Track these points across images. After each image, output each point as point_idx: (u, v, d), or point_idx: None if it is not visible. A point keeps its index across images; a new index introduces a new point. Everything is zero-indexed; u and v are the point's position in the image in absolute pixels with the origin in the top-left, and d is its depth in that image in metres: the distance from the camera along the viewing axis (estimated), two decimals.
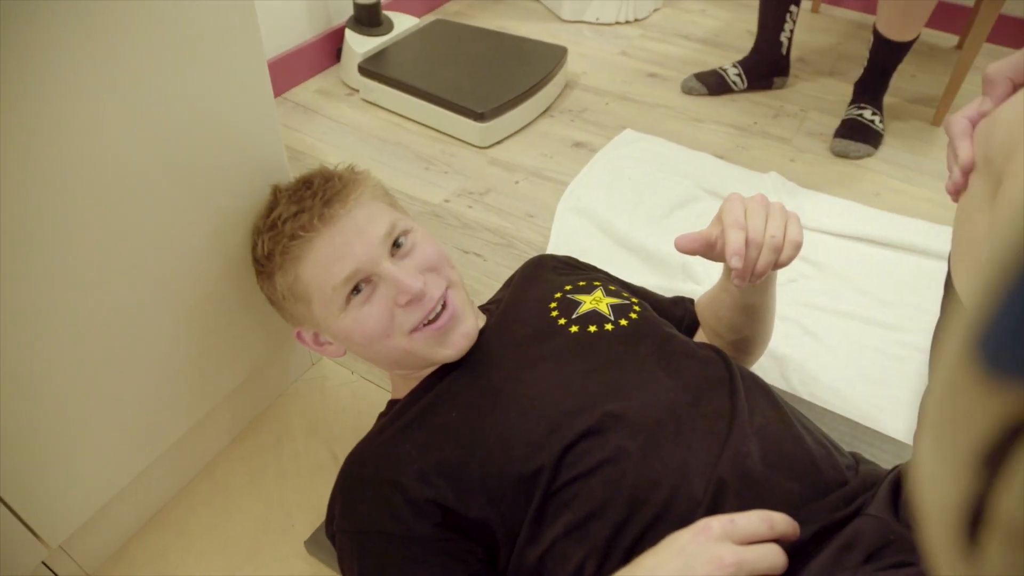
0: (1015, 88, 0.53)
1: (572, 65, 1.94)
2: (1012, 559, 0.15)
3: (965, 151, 0.54)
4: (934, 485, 0.18)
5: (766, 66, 1.82)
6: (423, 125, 1.75)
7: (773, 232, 0.74)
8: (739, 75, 1.82)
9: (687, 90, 1.85)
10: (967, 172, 0.54)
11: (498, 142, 1.70)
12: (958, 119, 0.56)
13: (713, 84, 1.83)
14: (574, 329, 0.82)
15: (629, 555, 0.67)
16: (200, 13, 0.75)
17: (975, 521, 0.16)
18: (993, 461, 0.15)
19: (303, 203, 0.78)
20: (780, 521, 0.63)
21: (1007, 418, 0.15)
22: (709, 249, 0.78)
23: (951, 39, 2.07)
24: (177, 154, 0.78)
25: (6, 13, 0.59)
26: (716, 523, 0.62)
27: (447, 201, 1.54)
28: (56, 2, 0.62)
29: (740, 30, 2.12)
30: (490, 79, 1.75)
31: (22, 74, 0.61)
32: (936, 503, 0.18)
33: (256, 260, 0.84)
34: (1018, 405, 0.15)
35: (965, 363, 0.16)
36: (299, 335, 0.86)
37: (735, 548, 0.60)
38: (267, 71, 0.86)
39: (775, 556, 0.61)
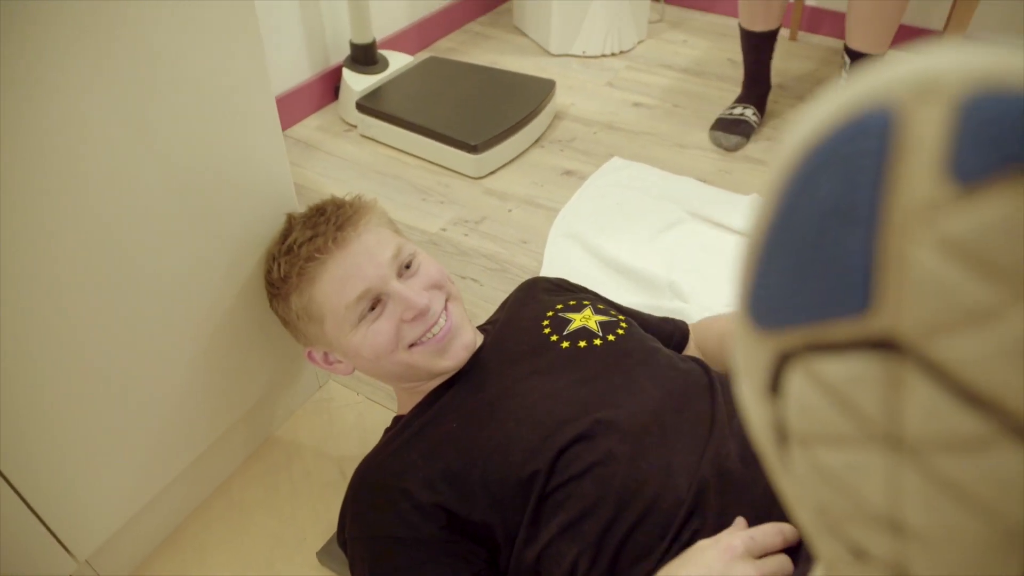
0: None
1: (561, 97, 2.02)
2: (808, 458, 0.22)
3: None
4: (751, 417, 0.24)
5: (764, 95, 1.91)
6: (419, 158, 1.83)
7: None
8: (754, 113, 1.87)
9: (732, 146, 1.81)
10: None
11: (491, 172, 1.77)
12: None
13: (746, 131, 1.84)
14: (565, 345, 0.88)
15: (619, 551, 0.73)
16: (213, 58, 0.81)
17: (782, 437, 0.23)
18: (773, 389, 0.22)
19: (317, 228, 0.85)
20: (790, 532, 0.68)
21: (773, 355, 0.21)
22: None
23: None
24: (194, 190, 0.85)
25: (25, 60, 0.66)
26: (738, 541, 0.67)
27: (444, 230, 1.61)
28: (75, 52, 0.68)
29: (720, 59, 2.21)
30: (482, 113, 1.83)
31: (44, 123, 0.68)
32: (756, 430, 0.24)
33: (271, 283, 0.90)
34: (778, 346, 0.21)
35: (742, 322, 0.22)
36: (310, 355, 0.92)
37: (757, 564, 0.65)
38: (275, 109, 0.93)
39: (786, 566, 0.67)
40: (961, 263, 0.16)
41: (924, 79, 0.17)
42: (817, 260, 0.19)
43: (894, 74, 0.18)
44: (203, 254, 0.89)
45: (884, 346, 0.18)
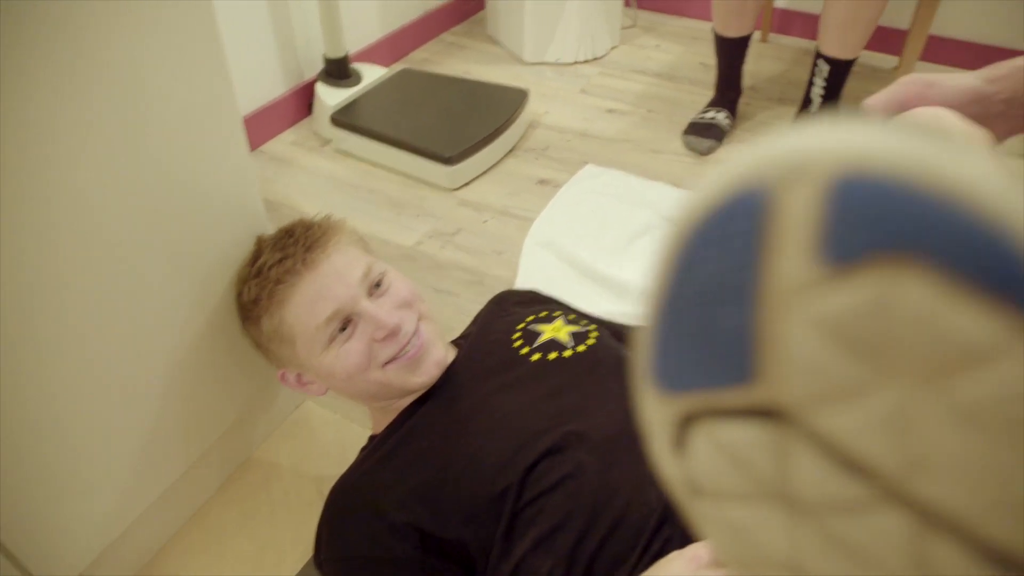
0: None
1: (534, 105, 2.03)
2: (718, 511, 0.23)
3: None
4: (664, 472, 0.25)
5: (736, 99, 1.92)
6: (394, 171, 1.83)
7: None
8: (727, 117, 1.89)
9: (705, 150, 1.83)
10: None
11: (466, 184, 1.78)
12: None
13: (718, 135, 1.86)
14: (536, 357, 0.89)
15: (592, 563, 0.73)
16: (175, 79, 0.81)
17: (695, 491, 0.23)
18: (679, 447, 0.23)
19: (286, 250, 0.85)
20: None
21: (676, 416, 0.22)
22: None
23: (892, 60, 2.19)
24: (159, 215, 0.84)
25: None
26: (704, 551, 0.66)
27: (419, 243, 1.61)
28: (28, 71, 0.67)
29: (693, 63, 2.23)
30: (456, 124, 1.83)
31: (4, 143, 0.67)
32: (671, 485, 0.25)
33: (242, 306, 0.90)
34: (680, 408, 0.22)
35: (645, 383, 0.23)
36: (283, 376, 0.92)
37: (724, 572, 0.65)
38: (243, 129, 0.93)
39: None
40: (832, 341, 0.17)
41: (794, 160, 0.17)
42: (703, 334, 0.19)
43: (766, 154, 0.18)
44: (173, 278, 0.88)
45: (770, 414, 0.19)
